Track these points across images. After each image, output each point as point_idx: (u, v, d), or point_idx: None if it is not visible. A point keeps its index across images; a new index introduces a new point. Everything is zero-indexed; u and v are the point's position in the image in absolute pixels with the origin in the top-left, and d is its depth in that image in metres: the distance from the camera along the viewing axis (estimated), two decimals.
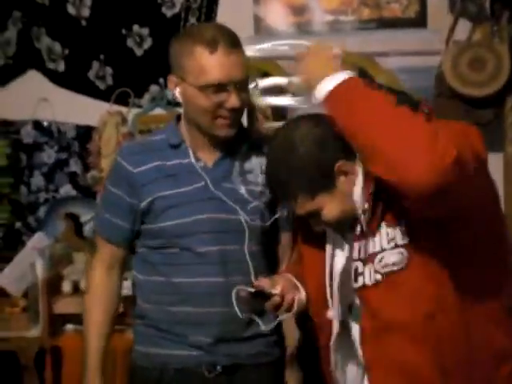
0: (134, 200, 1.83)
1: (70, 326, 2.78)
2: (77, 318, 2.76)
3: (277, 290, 1.66)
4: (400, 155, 1.32)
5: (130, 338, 2.57)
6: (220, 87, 1.71)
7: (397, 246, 1.51)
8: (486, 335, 1.55)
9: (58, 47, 3.23)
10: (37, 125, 3.26)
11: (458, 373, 1.53)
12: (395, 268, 1.51)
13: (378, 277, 1.53)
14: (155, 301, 1.87)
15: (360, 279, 1.56)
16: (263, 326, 1.74)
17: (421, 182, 1.30)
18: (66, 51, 3.22)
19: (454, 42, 2.83)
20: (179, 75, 1.77)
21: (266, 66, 3.04)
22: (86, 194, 3.23)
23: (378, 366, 1.57)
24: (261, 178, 1.83)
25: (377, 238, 1.53)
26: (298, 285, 1.72)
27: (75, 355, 2.69)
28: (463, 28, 2.89)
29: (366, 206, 1.52)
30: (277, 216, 1.86)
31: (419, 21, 3.02)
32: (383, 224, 1.53)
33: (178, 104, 3.13)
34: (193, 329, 1.83)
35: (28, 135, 3.27)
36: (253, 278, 1.77)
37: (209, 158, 1.84)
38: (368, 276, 1.54)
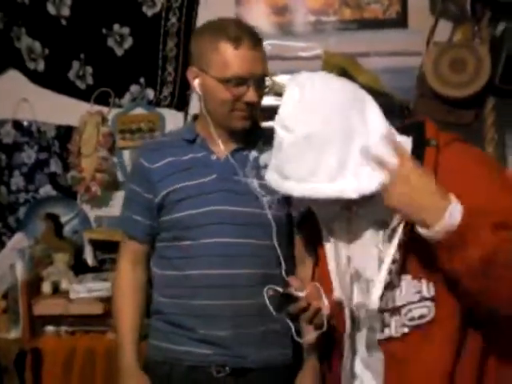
0: (151, 195, 1.90)
1: (50, 328, 2.75)
2: (57, 320, 2.75)
3: (303, 294, 1.63)
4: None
5: (110, 339, 2.59)
6: (241, 81, 1.78)
7: (423, 298, 1.48)
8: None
9: (38, 47, 3.20)
10: (17, 125, 3.24)
11: None
12: (423, 321, 1.48)
13: (406, 329, 1.50)
14: (169, 294, 1.91)
15: (386, 330, 1.53)
16: (292, 329, 1.69)
17: None
18: (46, 51, 3.20)
19: (435, 43, 2.84)
20: (201, 67, 1.84)
21: None
22: (67, 194, 3.21)
23: None
24: None
25: (403, 290, 1.50)
26: (323, 295, 1.66)
27: (55, 357, 2.69)
28: (444, 29, 2.90)
29: (398, 255, 1.49)
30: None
31: (400, 21, 3.03)
32: (408, 276, 1.50)
33: (158, 104, 3.16)
34: (204, 322, 1.85)
35: (8, 135, 3.24)
36: (283, 271, 1.76)
37: (223, 151, 1.89)
38: (394, 328, 1.51)
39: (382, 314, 1.52)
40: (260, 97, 1.84)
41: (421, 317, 1.48)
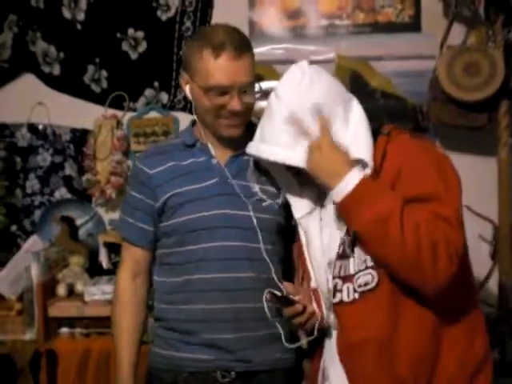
0: (152, 201, 1.88)
1: (64, 330, 2.78)
2: (71, 322, 2.78)
3: (298, 298, 1.69)
4: (408, 276, 1.55)
5: None
6: (223, 90, 1.77)
7: (367, 267, 1.61)
8: (462, 347, 1.63)
9: (53, 51, 3.23)
10: (32, 128, 3.26)
11: None
12: (367, 288, 1.61)
13: (356, 295, 1.63)
14: (169, 301, 1.89)
15: (338, 295, 1.66)
16: (282, 333, 1.76)
17: (434, 292, 1.55)
18: (62, 55, 3.22)
19: (449, 47, 2.84)
20: (189, 74, 1.83)
21: (260, 70, 3.04)
22: (81, 197, 3.23)
23: (355, 381, 1.65)
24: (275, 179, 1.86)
25: (355, 259, 1.64)
26: (313, 301, 1.73)
27: (70, 358, 2.71)
28: (458, 32, 2.90)
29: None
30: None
31: (414, 25, 3.03)
32: (357, 247, 1.64)
33: (172, 107, 3.18)
34: (207, 326, 1.84)
35: (23, 138, 3.27)
36: (274, 276, 1.81)
37: (223, 155, 1.88)
38: (346, 293, 1.65)
39: (336, 280, 1.66)
40: (247, 104, 1.80)
41: (366, 284, 1.61)
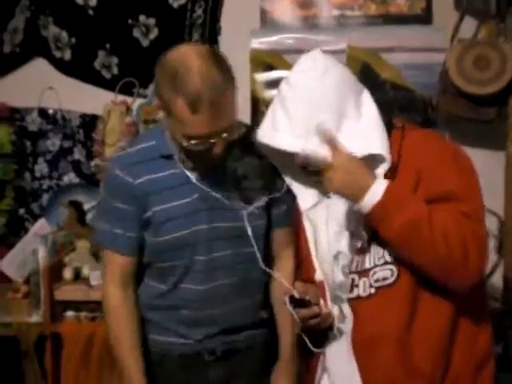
0: (139, 210, 1.83)
1: (70, 313, 2.80)
2: (77, 305, 2.79)
3: (307, 298, 1.68)
4: (442, 275, 1.57)
5: None
6: (203, 140, 1.67)
7: (386, 262, 1.63)
8: (469, 340, 1.66)
9: (64, 36, 3.23)
10: (42, 112, 3.27)
11: (444, 380, 1.64)
12: (386, 283, 1.63)
13: (372, 290, 1.65)
14: (156, 305, 1.91)
15: (355, 290, 1.68)
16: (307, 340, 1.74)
17: (468, 289, 1.59)
18: (73, 40, 3.23)
19: (459, 40, 2.83)
20: (163, 109, 1.70)
21: (270, 59, 3.05)
22: (90, 182, 3.24)
23: (369, 377, 1.66)
24: (255, 181, 1.86)
25: (371, 255, 1.66)
26: (321, 300, 1.73)
27: (75, 342, 2.73)
28: (469, 26, 2.89)
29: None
30: (260, 204, 1.86)
31: (425, 17, 3.02)
32: (374, 242, 1.66)
33: None
34: (192, 328, 1.89)
35: (33, 122, 3.28)
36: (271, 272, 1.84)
37: (200, 168, 1.82)
38: (362, 288, 1.66)
39: (352, 275, 1.68)
40: (230, 136, 1.71)
41: (384, 279, 1.63)
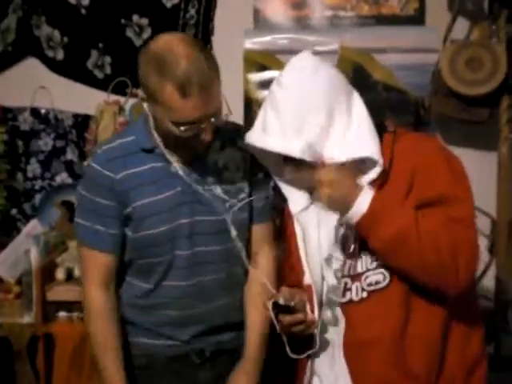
0: (119, 206, 1.80)
1: (62, 314, 2.79)
2: (70, 306, 2.78)
3: (293, 304, 1.67)
4: (432, 282, 1.57)
5: None
6: (192, 126, 1.66)
7: (378, 266, 1.63)
8: (462, 342, 1.66)
9: (57, 35, 3.22)
10: (34, 112, 3.26)
11: (438, 382, 1.65)
12: (378, 287, 1.63)
13: (364, 294, 1.64)
14: (140, 305, 1.89)
15: (347, 294, 1.67)
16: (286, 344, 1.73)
17: (458, 293, 1.58)
18: (66, 39, 3.22)
19: (452, 41, 2.84)
20: (148, 98, 1.69)
21: (263, 60, 3.05)
22: None
23: (361, 380, 1.66)
24: (237, 174, 1.84)
25: (363, 259, 1.65)
26: (308, 307, 1.72)
27: (67, 342, 2.72)
28: (461, 27, 2.90)
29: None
30: (241, 204, 1.84)
31: (418, 18, 3.03)
32: (366, 247, 1.64)
33: None
34: (178, 329, 1.88)
35: (25, 122, 3.27)
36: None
37: (183, 160, 1.80)
38: (355, 292, 1.66)
39: (345, 279, 1.67)
40: (217, 122, 1.70)
41: (377, 283, 1.63)
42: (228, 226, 1.79)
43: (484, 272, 2.85)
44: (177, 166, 1.79)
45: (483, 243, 2.90)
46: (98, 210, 1.81)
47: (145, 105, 1.74)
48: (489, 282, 2.89)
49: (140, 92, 1.74)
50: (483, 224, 2.89)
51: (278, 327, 1.66)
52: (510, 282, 2.82)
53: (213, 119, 1.67)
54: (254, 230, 1.93)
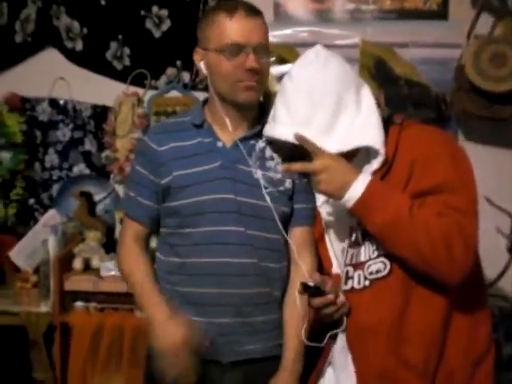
0: (157, 178, 1.87)
1: (79, 303, 2.80)
2: (87, 296, 2.79)
3: (328, 289, 1.68)
4: (428, 270, 1.58)
5: (138, 317, 2.62)
6: (237, 48, 1.78)
7: (379, 255, 1.65)
8: (466, 335, 1.66)
9: (76, 26, 3.22)
10: (53, 103, 3.27)
11: (438, 374, 1.65)
12: (379, 275, 1.65)
13: (367, 283, 1.67)
14: (171, 281, 1.89)
15: (349, 282, 1.70)
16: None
17: (455, 282, 1.58)
18: (85, 30, 3.22)
19: (476, 36, 2.81)
20: (203, 46, 1.85)
21: (284, 52, 3.03)
22: (100, 173, 3.24)
23: (362, 366, 1.68)
24: (281, 167, 1.85)
25: (366, 248, 1.68)
26: (341, 292, 1.73)
27: (84, 332, 2.73)
28: (485, 22, 2.87)
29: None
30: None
31: (441, 13, 2.99)
32: (368, 236, 1.67)
33: (194, 87, 3.17)
34: (202, 311, 1.84)
35: (44, 113, 3.28)
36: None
37: (229, 138, 1.86)
38: (357, 280, 1.69)
39: (347, 267, 1.71)
40: (262, 65, 1.81)
41: (378, 271, 1.65)
42: (272, 212, 1.82)
43: (503, 272, 2.82)
44: (223, 141, 1.87)
45: (502, 243, 2.88)
46: (137, 179, 1.93)
47: (202, 65, 1.87)
48: (508, 281, 2.87)
49: (197, 52, 1.88)
50: (503, 223, 2.87)
51: (312, 304, 1.69)
52: None
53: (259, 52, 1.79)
54: (294, 233, 1.90)
